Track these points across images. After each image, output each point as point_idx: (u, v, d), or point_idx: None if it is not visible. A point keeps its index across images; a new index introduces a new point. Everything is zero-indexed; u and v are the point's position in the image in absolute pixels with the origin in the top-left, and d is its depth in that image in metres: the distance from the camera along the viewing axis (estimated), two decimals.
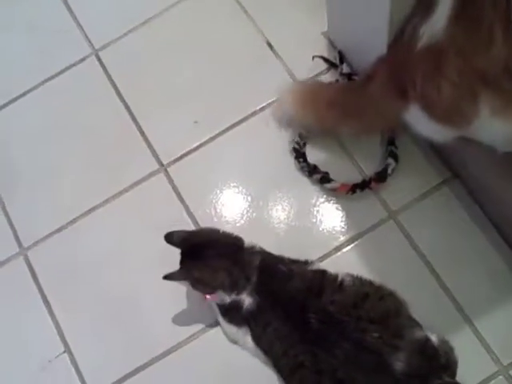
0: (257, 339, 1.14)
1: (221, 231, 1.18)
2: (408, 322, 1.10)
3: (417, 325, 1.10)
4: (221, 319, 1.19)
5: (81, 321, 1.28)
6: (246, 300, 1.11)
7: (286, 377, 1.12)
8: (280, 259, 1.16)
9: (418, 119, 1.13)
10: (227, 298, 1.13)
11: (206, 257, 1.13)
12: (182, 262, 1.15)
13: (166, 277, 1.12)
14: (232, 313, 1.15)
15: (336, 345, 1.05)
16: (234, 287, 1.12)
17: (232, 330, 1.18)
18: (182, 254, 1.15)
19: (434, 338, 1.09)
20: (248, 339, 1.15)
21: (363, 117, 1.22)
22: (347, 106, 1.23)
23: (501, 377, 1.15)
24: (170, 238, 1.16)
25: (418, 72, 1.06)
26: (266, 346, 1.13)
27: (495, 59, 0.96)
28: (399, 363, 1.02)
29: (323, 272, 1.13)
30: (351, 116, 1.23)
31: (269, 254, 1.17)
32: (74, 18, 1.54)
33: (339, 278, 1.10)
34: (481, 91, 1.01)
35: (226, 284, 1.12)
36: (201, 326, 1.24)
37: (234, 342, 1.20)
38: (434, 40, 1.01)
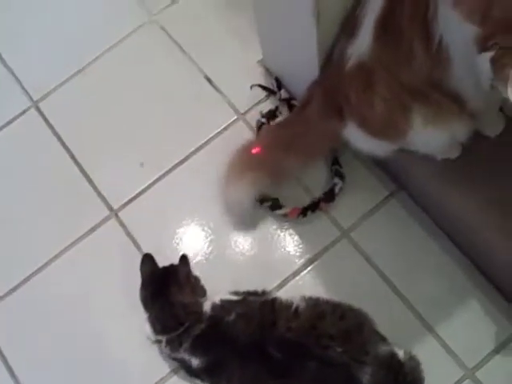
0: None
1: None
2: (372, 338, 1.11)
3: (382, 340, 1.11)
4: None
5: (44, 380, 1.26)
6: (192, 360, 1.12)
7: None
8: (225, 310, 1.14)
9: (356, 136, 1.16)
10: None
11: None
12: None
13: None
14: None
15: (303, 367, 1.05)
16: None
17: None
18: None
19: (400, 354, 1.10)
20: None
21: (307, 144, 1.24)
22: (288, 140, 1.24)
23: (468, 380, 1.17)
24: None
25: (351, 91, 1.09)
26: None
27: (419, 72, 0.99)
28: (366, 378, 1.03)
29: (273, 301, 1.12)
30: (295, 148, 1.23)
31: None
32: (10, 72, 1.53)
33: (294, 305, 1.10)
34: (411, 103, 1.04)
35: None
36: (169, 369, 1.23)
37: None
38: (362, 59, 1.04)
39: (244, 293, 1.17)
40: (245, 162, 1.25)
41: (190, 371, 1.15)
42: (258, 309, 1.12)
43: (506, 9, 0.84)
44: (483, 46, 0.87)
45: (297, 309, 1.10)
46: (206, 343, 1.11)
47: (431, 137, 1.09)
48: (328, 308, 1.11)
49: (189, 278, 1.17)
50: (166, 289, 1.15)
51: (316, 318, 1.08)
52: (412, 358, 1.11)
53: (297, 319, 1.08)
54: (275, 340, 1.06)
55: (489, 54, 0.86)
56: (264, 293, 1.18)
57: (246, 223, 1.32)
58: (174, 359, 1.18)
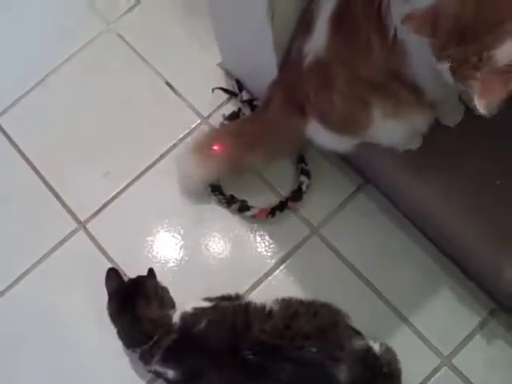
0: None
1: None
2: (347, 332, 1.11)
3: (356, 334, 1.11)
4: None
5: None
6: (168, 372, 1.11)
7: None
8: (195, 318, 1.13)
9: (317, 133, 1.16)
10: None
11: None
12: None
13: None
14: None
15: (279, 369, 1.05)
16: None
17: None
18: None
19: (375, 347, 1.10)
20: None
21: (270, 143, 1.24)
22: (251, 138, 1.24)
23: (445, 367, 1.18)
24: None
25: (310, 88, 1.09)
26: None
27: (376, 65, 1.00)
28: (342, 374, 1.03)
29: (246, 306, 1.12)
30: (258, 146, 1.24)
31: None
32: None
33: (267, 308, 1.10)
34: (370, 97, 1.05)
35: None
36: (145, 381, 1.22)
37: None
38: (319, 55, 1.04)
39: (217, 298, 1.16)
40: (207, 150, 1.25)
41: (167, 382, 1.14)
42: (231, 313, 1.11)
43: (454, 21, 0.84)
44: (438, 56, 0.88)
45: (270, 311, 1.09)
46: (178, 354, 1.10)
47: (392, 129, 1.09)
48: (301, 308, 1.11)
49: (156, 291, 1.15)
50: (133, 303, 1.13)
51: (289, 318, 1.08)
52: (388, 350, 1.12)
53: (270, 320, 1.08)
54: (250, 343, 1.05)
55: (445, 65, 0.87)
56: (238, 296, 1.18)
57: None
58: (150, 371, 1.17)
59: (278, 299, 1.12)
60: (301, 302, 1.12)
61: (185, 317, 1.12)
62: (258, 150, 1.23)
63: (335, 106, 1.07)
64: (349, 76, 1.03)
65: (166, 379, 1.14)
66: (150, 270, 1.19)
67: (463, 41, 0.83)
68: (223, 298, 1.16)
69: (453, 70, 0.86)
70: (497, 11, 0.81)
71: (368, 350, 1.09)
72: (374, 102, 1.05)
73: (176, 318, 1.12)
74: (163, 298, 1.15)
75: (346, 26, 1.00)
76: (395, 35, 0.94)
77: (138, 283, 1.17)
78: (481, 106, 0.83)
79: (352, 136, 1.14)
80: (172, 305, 1.16)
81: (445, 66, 0.87)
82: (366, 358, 1.07)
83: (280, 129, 1.20)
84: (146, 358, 1.13)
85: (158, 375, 1.15)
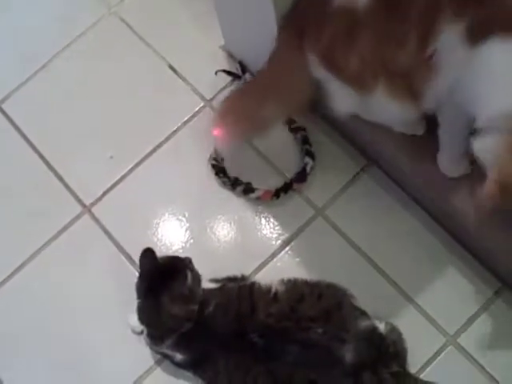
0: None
1: None
2: (352, 313, 1.11)
3: (362, 314, 1.11)
4: None
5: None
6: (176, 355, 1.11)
7: None
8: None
9: (319, 72, 1.11)
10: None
11: None
12: None
13: None
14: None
15: (285, 352, 1.05)
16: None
17: None
18: None
19: (381, 327, 1.10)
20: None
21: (279, 89, 1.17)
22: (261, 90, 1.18)
23: (450, 346, 1.18)
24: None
25: (329, 28, 1.04)
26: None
27: (402, 57, 0.98)
28: (348, 355, 1.04)
29: (251, 287, 1.11)
30: (270, 96, 1.16)
31: None
32: None
33: (273, 290, 1.10)
34: (380, 73, 1.02)
35: None
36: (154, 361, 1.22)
37: None
38: (356, 7, 0.99)
39: (223, 279, 1.16)
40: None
41: (174, 363, 1.14)
42: (236, 296, 1.10)
43: None
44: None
45: (276, 293, 1.09)
46: (191, 339, 1.09)
47: (389, 107, 1.07)
48: (306, 289, 1.11)
49: (187, 287, 1.09)
50: (161, 294, 1.08)
51: (295, 300, 1.08)
52: (393, 330, 1.12)
53: (276, 304, 1.08)
54: (256, 326, 1.06)
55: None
56: (243, 277, 1.18)
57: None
58: (156, 352, 1.17)
59: (283, 280, 1.12)
60: (306, 283, 1.12)
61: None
62: (270, 100, 1.16)
63: (349, 65, 1.03)
64: (373, 48, 1.00)
65: (172, 361, 1.15)
66: (188, 261, 1.13)
67: None
68: (229, 280, 1.16)
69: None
70: None
71: (374, 330, 1.09)
72: (382, 77, 1.03)
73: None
74: (191, 295, 1.09)
75: (396, 6, 0.96)
76: (431, 55, 0.94)
77: (173, 271, 1.11)
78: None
79: (346, 85, 1.09)
80: (198, 299, 1.10)
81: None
82: (371, 338, 1.07)
83: (286, 71, 1.15)
84: (155, 340, 1.13)
85: (165, 356, 1.16)
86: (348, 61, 1.03)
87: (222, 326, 1.08)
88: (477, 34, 0.91)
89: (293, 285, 1.11)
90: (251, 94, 1.21)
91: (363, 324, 1.09)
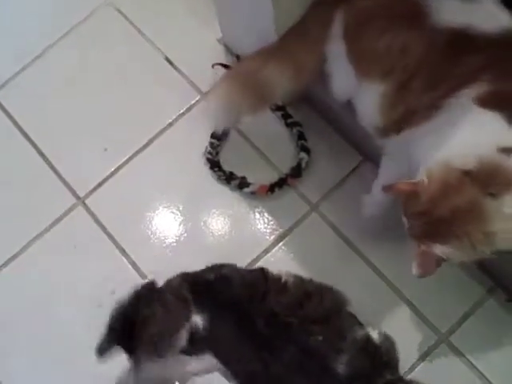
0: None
1: None
2: (349, 321, 1.09)
3: (357, 323, 1.09)
4: None
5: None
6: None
7: None
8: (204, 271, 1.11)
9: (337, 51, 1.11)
10: None
11: None
12: None
13: None
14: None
15: (284, 349, 1.04)
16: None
17: None
18: None
19: (375, 335, 1.08)
20: None
21: (290, 54, 1.15)
22: (267, 52, 1.18)
23: (442, 344, 1.19)
24: None
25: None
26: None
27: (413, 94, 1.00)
28: (342, 366, 1.02)
29: (263, 271, 1.07)
30: (273, 57, 1.16)
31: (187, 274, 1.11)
32: None
33: (283, 279, 1.07)
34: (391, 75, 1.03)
35: None
36: None
37: None
38: None
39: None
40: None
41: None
42: (250, 276, 1.07)
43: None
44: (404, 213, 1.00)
45: (286, 283, 1.07)
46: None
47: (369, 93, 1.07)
48: (313, 288, 1.09)
49: None
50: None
51: (303, 296, 1.06)
52: (387, 338, 1.10)
53: (286, 294, 1.05)
54: (264, 311, 1.03)
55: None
56: None
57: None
58: None
59: (290, 272, 1.10)
60: (310, 282, 1.10)
61: None
62: (274, 61, 1.15)
63: (374, 41, 1.03)
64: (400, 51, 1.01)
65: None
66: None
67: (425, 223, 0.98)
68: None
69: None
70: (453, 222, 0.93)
71: (368, 339, 1.07)
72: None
73: None
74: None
75: None
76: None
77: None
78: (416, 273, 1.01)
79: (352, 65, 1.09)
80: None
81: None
82: (366, 348, 1.06)
83: (301, 38, 1.14)
84: None
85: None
86: (376, 41, 1.02)
87: (233, 299, 1.04)
88: None
89: (300, 280, 1.09)
90: (261, 53, 1.19)
91: (359, 333, 1.07)
